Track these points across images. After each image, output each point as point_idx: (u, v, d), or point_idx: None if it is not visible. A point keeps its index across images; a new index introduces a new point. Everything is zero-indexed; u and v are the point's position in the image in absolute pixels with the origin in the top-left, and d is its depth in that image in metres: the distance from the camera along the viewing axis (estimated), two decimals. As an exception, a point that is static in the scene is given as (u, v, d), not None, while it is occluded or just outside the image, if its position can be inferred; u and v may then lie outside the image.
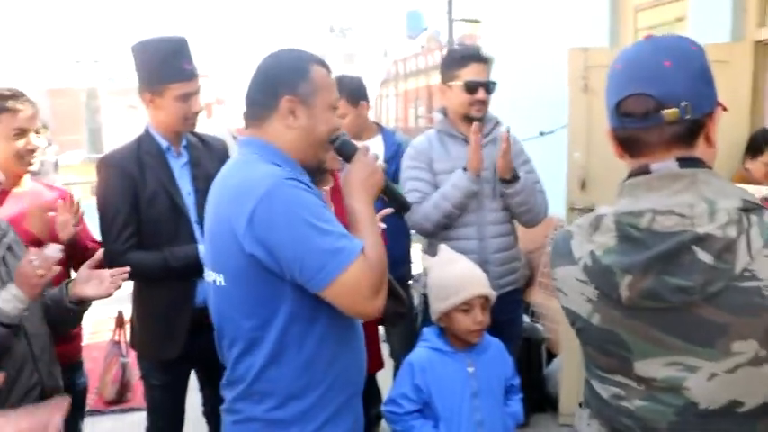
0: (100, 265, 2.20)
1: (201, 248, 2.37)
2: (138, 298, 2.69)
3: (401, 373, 2.34)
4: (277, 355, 1.66)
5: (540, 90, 5.34)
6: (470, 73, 2.90)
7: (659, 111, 1.21)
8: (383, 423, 3.06)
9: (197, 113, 2.61)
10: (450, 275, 2.35)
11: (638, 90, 1.23)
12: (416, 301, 3.78)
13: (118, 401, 4.40)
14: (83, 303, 2.16)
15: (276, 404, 1.68)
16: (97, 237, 2.64)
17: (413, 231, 3.40)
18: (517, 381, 2.48)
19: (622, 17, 4.81)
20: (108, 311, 4.32)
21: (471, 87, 2.89)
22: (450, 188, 2.83)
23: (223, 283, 1.69)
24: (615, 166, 1.45)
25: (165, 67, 2.50)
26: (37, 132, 2.54)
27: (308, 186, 1.66)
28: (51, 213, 2.58)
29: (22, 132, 2.48)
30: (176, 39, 2.57)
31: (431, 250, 2.85)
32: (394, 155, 3.42)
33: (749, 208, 1.15)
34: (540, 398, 4.05)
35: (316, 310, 1.65)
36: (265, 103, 1.73)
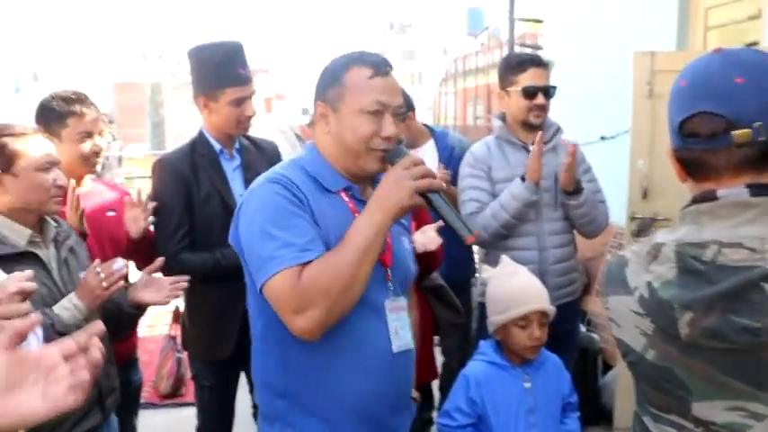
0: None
1: None
2: (190, 299, 2.72)
3: (456, 385, 2.31)
4: (261, 348, 1.74)
5: (601, 93, 5.20)
6: (529, 78, 2.84)
7: (729, 132, 1.11)
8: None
9: (250, 117, 2.63)
10: (510, 288, 2.30)
11: (705, 108, 1.13)
12: (474, 303, 3.73)
13: (172, 395, 4.48)
14: (140, 308, 2.20)
15: (269, 399, 1.75)
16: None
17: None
18: (575, 398, 2.41)
19: (692, 14, 4.63)
20: (164, 305, 4.39)
21: (530, 92, 2.83)
22: (509, 198, 2.77)
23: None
24: (680, 175, 1.37)
25: (220, 72, 2.53)
26: (100, 134, 2.60)
27: (294, 194, 1.62)
28: (111, 213, 2.63)
29: (87, 135, 2.54)
30: (231, 44, 2.60)
31: (489, 260, 2.80)
32: (448, 159, 3.36)
33: None
34: (594, 410, 3.94)
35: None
36: (313, 107, 1.75)
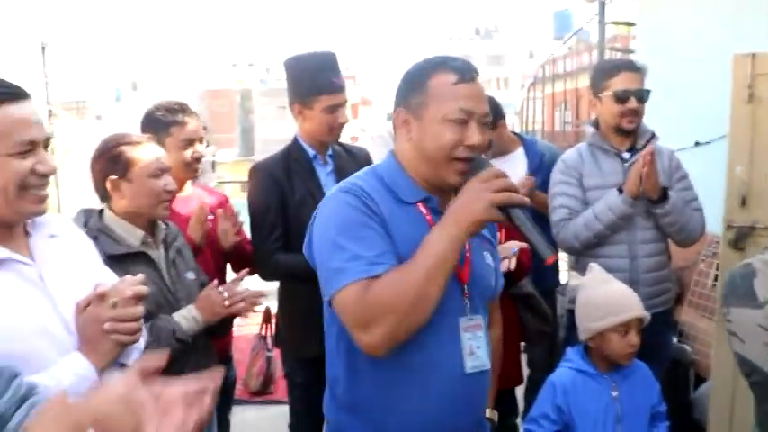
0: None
1: None
2: (284, 297, 2.83)
3: (543, 392, 2.31)
4: (344, 362, 1.67)
5: (696, 97, 5.02)
6: (620, 82, 2.79)
7: None
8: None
9: (343, 125, 2.71)
10: (607, 295, 2.29)
11: None
12: (559, 311, 3.69)
13: (262, 393, 4.61)
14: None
15: (333, 410, 1.73)
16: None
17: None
18: (664, 407, 2.37)
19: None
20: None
21: (622, 97, 2.78)
22: (605, 209, 2.73)
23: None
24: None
25: (315, 80, 2.61)
26: (201, 141, 2.74)
27: (367, 204, 1.58)
28: (211, 216, 2.76)
29: (189, 142, 2.68)
30: (326, 53, 2.69)
31: (579, 267, 2.77)
32: (538, 166, 3.36)
33: None
34: (685, 425, 3.82)
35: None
36: (395, 113, 1.69)
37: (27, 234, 1.52)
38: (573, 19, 19.55)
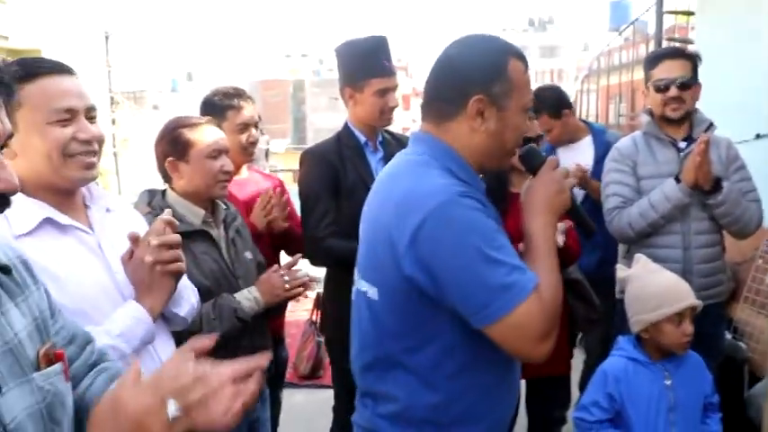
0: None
1: None
2: (330, 283, 2.86)
3: (594, 380, 2.31)
4: (423, 382, 1.51)
5: (757, 88, 4.90)
6: (662, 71, 2.76)
7: None
8: (566, 430, 3.01)
9: (393, 108, 2.71)
10: (660, 286, 2.27)
11: None
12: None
13: (311, 377, 4.71)
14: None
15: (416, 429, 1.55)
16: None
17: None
18: (716, 398, 2.35)
19: None
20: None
21: (661, 86, 2.75)
22: (662, 198, 2.70)
23: (376, 298, 1.54)
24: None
25: (366, 63, 2.62)
26: (256, 126, 2.80)
27: (484, 205, 1.46)
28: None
29: (245, 127, 2.74)
30: (377, 37, 2.70)
31: (629, 256, 2.75)
32: (603, 154, 3.34)
33: None
34: (738, 423, 3.74)
35: (476, 345, 1.46)
36: (452, 99, 1.51)
37: (86, 207, 1.62)
38: (630, 9, 19.16)
